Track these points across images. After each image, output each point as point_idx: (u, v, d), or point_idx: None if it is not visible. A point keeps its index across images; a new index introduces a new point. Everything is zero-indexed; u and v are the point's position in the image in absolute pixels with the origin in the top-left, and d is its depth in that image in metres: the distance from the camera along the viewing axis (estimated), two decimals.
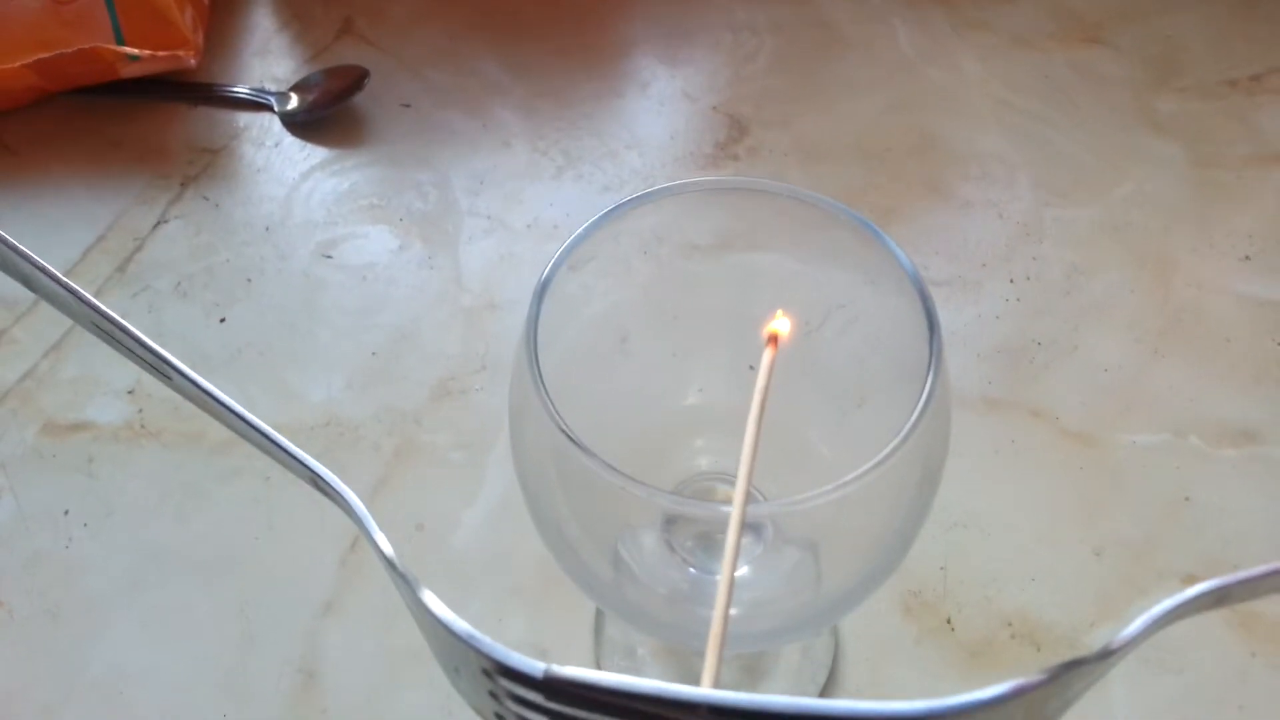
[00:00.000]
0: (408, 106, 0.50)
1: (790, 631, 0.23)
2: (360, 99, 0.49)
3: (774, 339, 0.22)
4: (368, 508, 0.38)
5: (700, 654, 0.20)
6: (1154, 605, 0.17)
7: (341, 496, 0.19)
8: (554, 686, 0.15)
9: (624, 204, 0.23)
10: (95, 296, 0.42)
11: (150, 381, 0.39)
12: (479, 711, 0.18)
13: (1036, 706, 0.16)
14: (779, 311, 0.23)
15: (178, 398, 0.38)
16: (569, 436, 0.19)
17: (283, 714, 0.31)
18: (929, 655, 0.32)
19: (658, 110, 0.50)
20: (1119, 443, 0.38)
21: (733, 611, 0.25)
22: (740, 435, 0.22)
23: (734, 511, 0.18)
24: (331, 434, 0.37)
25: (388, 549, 0.17)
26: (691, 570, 0.26)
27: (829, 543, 0.23)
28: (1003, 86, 0.51)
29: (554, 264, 0.22)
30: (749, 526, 0.26)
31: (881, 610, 0.33)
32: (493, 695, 0.17)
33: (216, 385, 0.21)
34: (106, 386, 0.38)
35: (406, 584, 0.17)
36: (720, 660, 0.15)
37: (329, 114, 0.49)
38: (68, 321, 0.40)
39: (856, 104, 0.50)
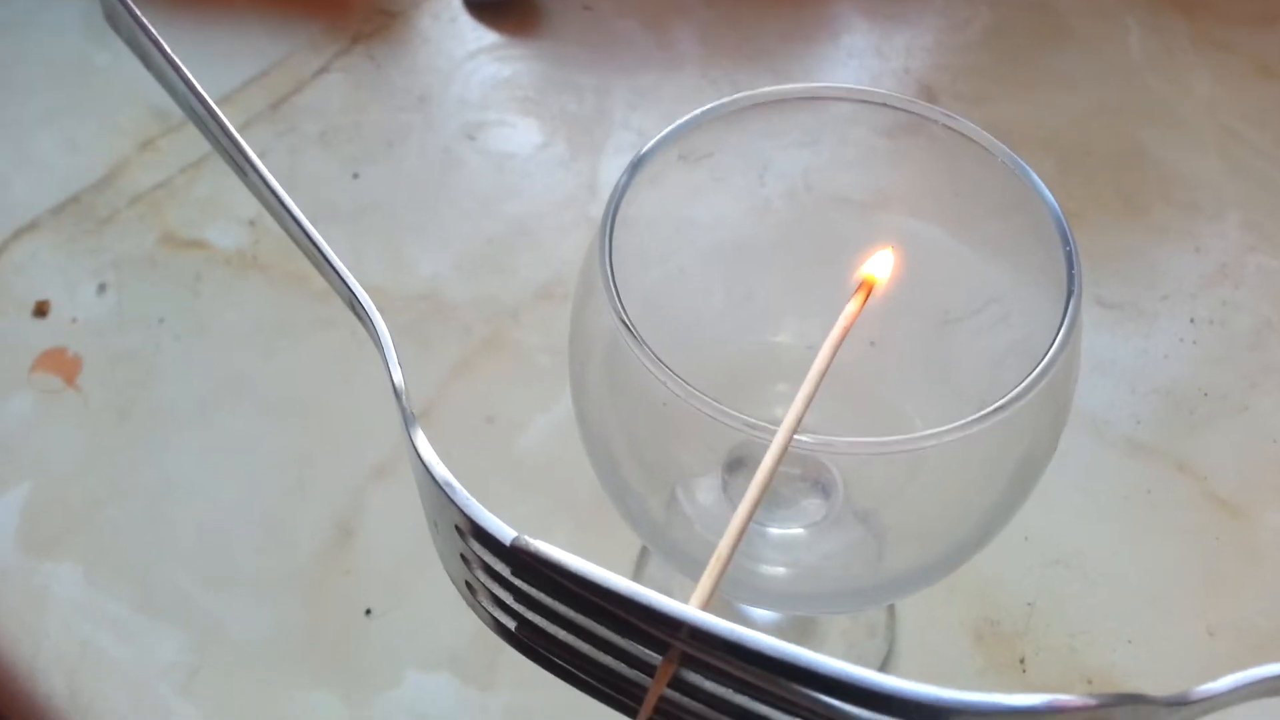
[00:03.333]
0: (589, 9, 0.48)
1: (837, 601, 0.20)
2: None
3: (867, 287, 0.18)
4: (444, 387, 0.37)
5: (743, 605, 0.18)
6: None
7: (370, 320, 0.17)
8: (520, 558, 0.13)
9: (758, 94, 0.21)
10: (244, 128, 0.42)
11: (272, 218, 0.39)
12: (452, 578, 0.16)
13: None
14: (888, 248, 0.20)
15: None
16: (625, 323, 0.17)
17: (311, 563, 0.31)
18: (989, 690, 0.29)
19: (844, 62, 0.47)
20: (1268, 522, 0.33)
21: (781, 570, 0.23)
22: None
23: (784, 424, 0.15)
24: (428, 307, 0.36)
25: (399, 380, 0.16)
26: None
27: (898, 515, 0.20)
28: (1234, 115, 0.46)
29: (658, 141, 0.19)
30: (818, 485, 0.24)
31: (950, 631, 0.30)
32: (464, 560, 0.15)
33: (334, 237, 0.20)
34: (231, 213, 0.39)
35: (404, 419, 0.15)
36: (718, 582, 0.13)
37: (510, 0, 0.48)
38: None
39: (1064, 98, 0.46)
